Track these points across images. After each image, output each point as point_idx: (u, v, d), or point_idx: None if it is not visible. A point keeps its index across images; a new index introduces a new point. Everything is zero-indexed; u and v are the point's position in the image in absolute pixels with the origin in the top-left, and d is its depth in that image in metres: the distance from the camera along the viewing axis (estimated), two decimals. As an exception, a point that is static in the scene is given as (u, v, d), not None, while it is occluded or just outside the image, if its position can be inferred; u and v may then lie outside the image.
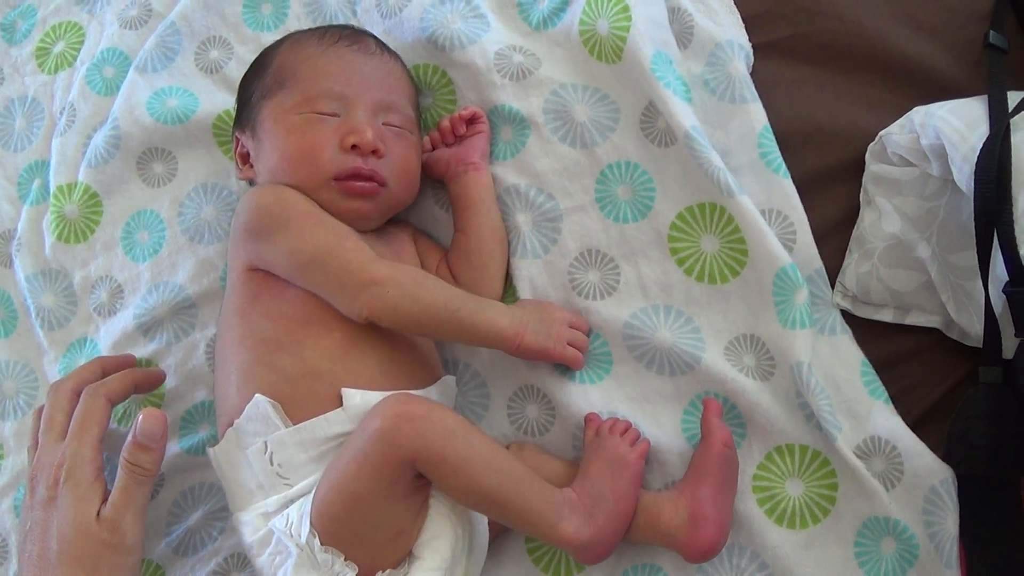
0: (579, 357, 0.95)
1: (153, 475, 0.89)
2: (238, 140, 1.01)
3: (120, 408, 1.05)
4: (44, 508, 0.88)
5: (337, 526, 0.80)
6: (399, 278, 0.88)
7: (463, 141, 1.03)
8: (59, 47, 1.24)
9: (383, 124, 0.97)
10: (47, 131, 1.20)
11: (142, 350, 1.07)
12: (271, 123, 0.95)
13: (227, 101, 1.12)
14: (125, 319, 1.09)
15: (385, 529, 0.81)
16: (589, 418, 0.94)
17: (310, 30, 1.03)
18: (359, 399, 0.86)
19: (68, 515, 0.86)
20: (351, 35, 1.00)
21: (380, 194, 0.95)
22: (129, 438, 0.87)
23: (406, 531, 0.83)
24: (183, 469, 1.04)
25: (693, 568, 0.93)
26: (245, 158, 1.00)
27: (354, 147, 0.93)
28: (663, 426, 0.95)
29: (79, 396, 0.94)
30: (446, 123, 1.04)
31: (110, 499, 0.87)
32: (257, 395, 0.87)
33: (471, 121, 1.03)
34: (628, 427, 0.93)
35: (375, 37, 1.03)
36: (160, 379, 1.04)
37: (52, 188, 1.14)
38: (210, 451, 0.91)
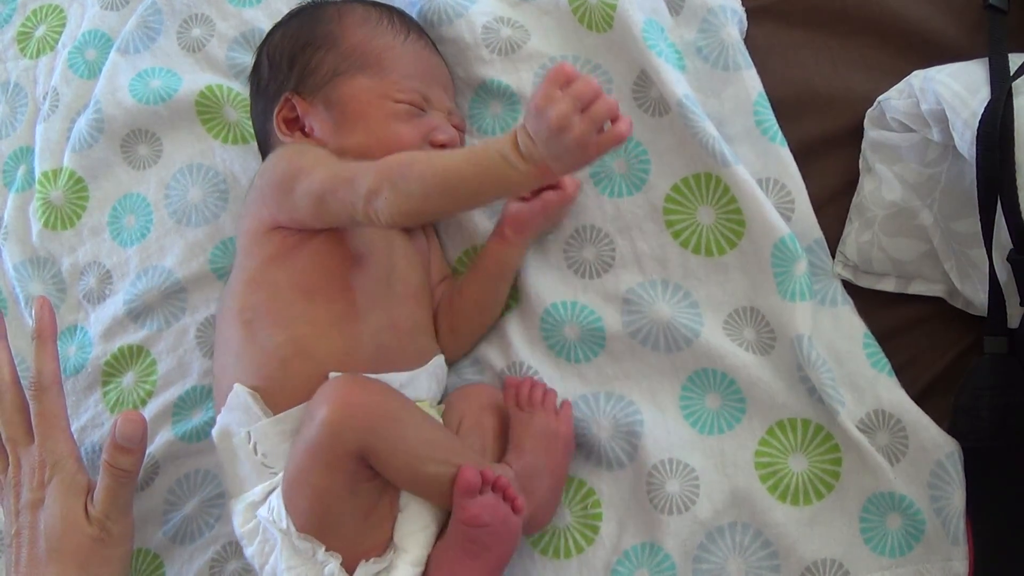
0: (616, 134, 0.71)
1: (135, 475, 0.88)
2: (290, 104, 0.97)
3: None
4: (31, 511, 0.88)
5: (304, 518, 0.80)
6: (387, 175, 0.79)
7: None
8: (41, 30, 1.22)
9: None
10: (31, 117, 1.18)
11: (133, 336, 1.06)
12: (361, 106, 0.95)
13: (210, 79, 1.11)
14: (115, 305, 1.07)
15: (354, 513, 0.81)
16: (507, 384, 0.93)
17: (367, 5, 1.01)
18: None
19: (55, 511, 0.86)
20: (416, 26, 1.01)
21: None
22: (108, 440, 0.87)
23: (375, 508, 0.82)
24: (177, 456, 1.02)
25: (695, 548, 0.91)
26: (292, 123, 0.97)
27: (443, 145, 0.95)
28: (660, 403, 0.94)
29: (17, 393, 0.92)
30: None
31: (95, 498, 0.87)
32: (236, 385, 0.86)
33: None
34: (545, 392, 0.92)
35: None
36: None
37: (37, 174, 1.13)
38: (214, 432, 0.90)
